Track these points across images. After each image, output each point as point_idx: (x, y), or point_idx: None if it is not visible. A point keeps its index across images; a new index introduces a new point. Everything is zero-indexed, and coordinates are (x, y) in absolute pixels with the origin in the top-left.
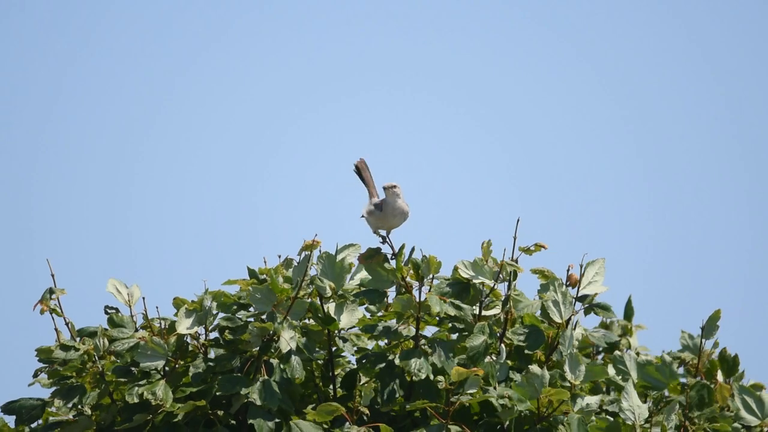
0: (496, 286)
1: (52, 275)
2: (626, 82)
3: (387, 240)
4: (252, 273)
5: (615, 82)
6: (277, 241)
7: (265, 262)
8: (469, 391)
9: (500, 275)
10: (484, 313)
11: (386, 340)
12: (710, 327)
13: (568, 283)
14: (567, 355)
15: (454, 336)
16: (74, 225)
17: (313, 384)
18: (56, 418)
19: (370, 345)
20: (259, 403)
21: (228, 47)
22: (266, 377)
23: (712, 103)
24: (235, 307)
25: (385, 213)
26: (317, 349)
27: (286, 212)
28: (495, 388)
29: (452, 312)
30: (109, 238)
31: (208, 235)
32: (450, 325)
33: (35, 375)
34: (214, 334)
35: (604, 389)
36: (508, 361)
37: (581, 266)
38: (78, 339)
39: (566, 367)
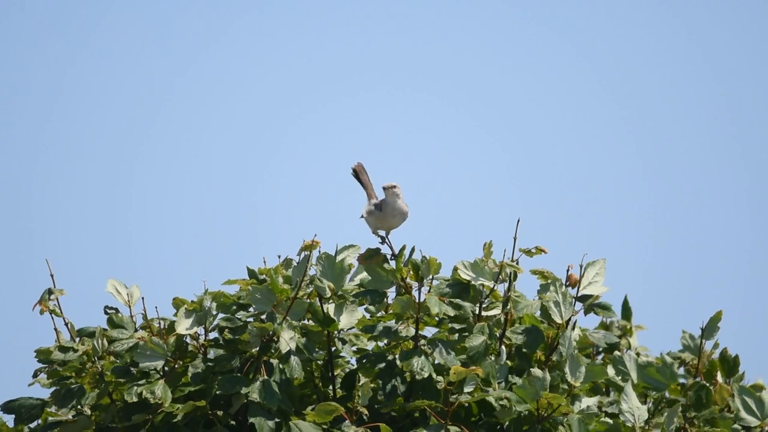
0: (495, 287)
1: (51, 275)
2: (626, 82)
3: (386, 241)
4: (251, 273)
5: (615, 82)
6: (277, 242)
7: (264, 262)
8: (467, 390)
9: (500, 276)
10: (483, 314)
11: (386, 341)
12: (711, 328)
13: (567, 284)
14: (567, 356)
15: (454, 337)
16: (74, 225)
17: (313, 385)
18: (55, 418)
19: (370, 346)
20: (258, 401)
21: (228, 47)
22: (266, 377)
23: (712, 103)
24: (234, 307)
25: (384, 213)
26: (317, 349)
27: (285, 212)
28: (495, 389)
29: (452, 312)
30: (109, 238)
31: (208, 235)
32: (450, 326)
33: (35, 375)
34: (213, 335)
35: (604, 390)
36: (508, 362)
37: (581, 267)
38: (77, 339)
39: (566, 369)
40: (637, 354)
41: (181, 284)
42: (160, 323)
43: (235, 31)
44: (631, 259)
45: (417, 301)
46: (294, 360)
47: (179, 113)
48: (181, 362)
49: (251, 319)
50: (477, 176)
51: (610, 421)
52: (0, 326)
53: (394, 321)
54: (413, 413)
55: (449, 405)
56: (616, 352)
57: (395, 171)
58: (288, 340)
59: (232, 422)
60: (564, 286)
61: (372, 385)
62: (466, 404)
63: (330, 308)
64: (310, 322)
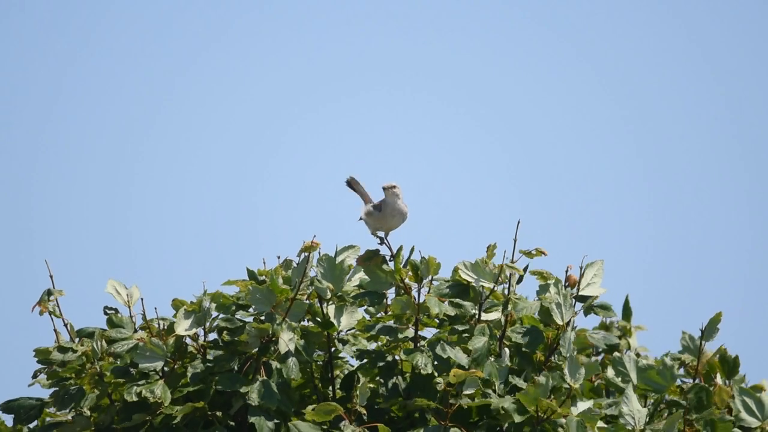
0: (496, 288)
1: (51, 276)
2: (626, 82)
3: (385, 242)
4: (251, 274)
5: (615, 82)
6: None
7: (264, 263)
8: (467, 392)
9: (500, 277)
10: (483, 316)
11: (386, 340)
12: (710, 329)
13: (567, 284)
14: (567, 357)
15: (454, 338)
16: (74, 225)
17: (313, 385)
18: (54, 419)
19: (371, 347)
20: (256, 402)
21: (228, 47)
22: (265, 378)
23: (712, 103)
24: (233, 308)
25: (384, 213)
26: (317, 350)
27: (285, 213)
28: (494, 390)
29: (451, 313)
30: (109, 239)
31: (207, 236)
32: (450, 327)
33: (34, 376)
34: (213, 336)
35: (604, 391)
36: (508, 363)
37: (581, 267)
38: (77, 340)
39: (566, 370)
40: (637, 355)
41: (180, 285)
42: (159, 324)
43: (235, 31)
44: (631, 259)
45: (416, 301)
46: (291, 361)
47: (179, 113)
48: (180, 363)
49: (251, 319)
50: (477, 176)
51: (609, 428)
52: (0, 326)
53: (393, 322)
54: (413, 413)
55: (449, 406)
56: (616, 353)
57: (395, 171)
58: (287, 341)
59: (231, 423)
60: (564, 287)
61: (371, 385)
62: (466, 407)
63: (330, 309)
64: (310, 323)
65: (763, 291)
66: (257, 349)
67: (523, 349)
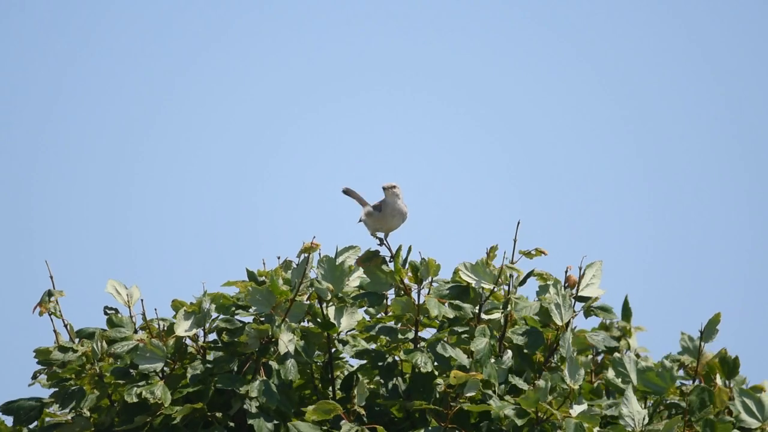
0: (496, 289)
1: (51, 277)
2: (626, 82)
3: (384, 242)
4: (251, 275)
5: (615, 82)
6: (277, 243)
7: (264, 264)
8: (468, 394)
9: (500, 279)
10: (484, 317)
11: (386, 341)
12: (709, 330)
13: (566, 285)
14: (567, 358)
15: (453, 339)
16: (74, 226)
17: (313, 386)
18: (54, 420)
19: (371, 347)
20: (256, 402)
21: (228, 47)
22: (265, 378)
23: (712, 103)
24: (233, 308)
25: (384, 214)
26: (317, 351)
27: (285, 213)
28: (495, 391)
29: (451, 314)
30: (109, 239)
31: (207, 236)
32: (449, 328)
33: (34, 376)
34: (212, 336)
35: (604, 392)
36: (510, 364)
37: (580, 268)
38: (77, 340)
39: (565, 371)
40: (637, 355)
41: (180, 285)
42: (159, 325)
43: (235, 31)
44: (631, 260)
45: (416, 302)
46: (290, 363)
47: (179, 113)
48: (180, 364)
49: (250, 320)
50: (477, 176)
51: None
52: (0, 327)
53: (392, 322)
54: (413, 414)
55: (449, 408)
56: (616, 354)
57: (395, 171)
58: (287, 342)
59: (231, 424)
60: (564, 288)
61: (372, 386)
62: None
63: (330, 310)
64: (310, 324)
65: (763, 291)
66: (257, 350)
67: (524, 350)
